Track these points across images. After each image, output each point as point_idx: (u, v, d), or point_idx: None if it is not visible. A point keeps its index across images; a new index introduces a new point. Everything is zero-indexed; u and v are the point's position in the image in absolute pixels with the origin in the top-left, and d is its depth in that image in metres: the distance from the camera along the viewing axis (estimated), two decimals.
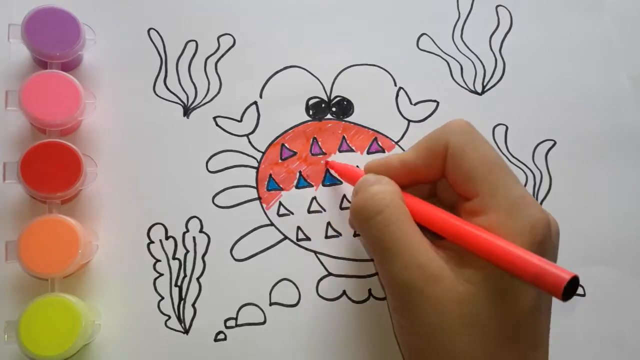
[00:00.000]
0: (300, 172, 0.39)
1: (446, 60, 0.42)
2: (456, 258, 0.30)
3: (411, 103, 0.41)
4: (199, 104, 0.40)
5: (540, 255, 0.27)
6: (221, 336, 0.37)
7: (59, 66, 0.37)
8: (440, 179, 0.33)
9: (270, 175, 0.39)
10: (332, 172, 0.39)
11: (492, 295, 0.29)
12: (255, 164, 0.40)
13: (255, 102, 0.41)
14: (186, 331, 0.37)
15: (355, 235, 0.39)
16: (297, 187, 0.39)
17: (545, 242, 0.29)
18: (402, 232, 0.30)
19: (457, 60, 0.42)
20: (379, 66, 0.42)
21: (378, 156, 0.40)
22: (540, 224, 0.29)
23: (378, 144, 0.40)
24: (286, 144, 0.40)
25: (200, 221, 0.38)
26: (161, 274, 0.37)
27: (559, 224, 0.32)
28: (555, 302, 0.31)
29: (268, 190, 0.39)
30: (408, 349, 0.31)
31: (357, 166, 0.40)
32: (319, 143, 0.40)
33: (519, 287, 0.29)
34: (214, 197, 0.39)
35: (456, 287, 0.29)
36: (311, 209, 0.39)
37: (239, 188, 0.39)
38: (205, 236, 0.38)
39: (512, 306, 0.29)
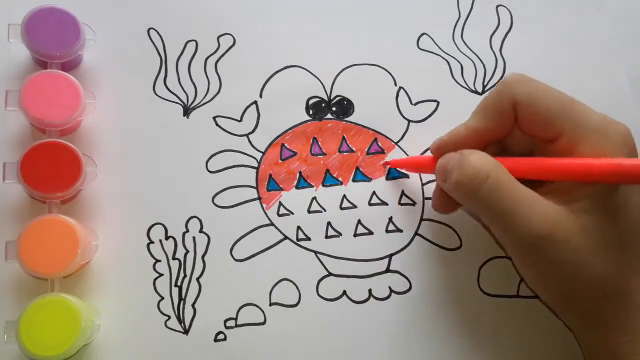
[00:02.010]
0: (300, 172, 0.39)
1: (446, 60, 0.42)
2: (562, 198, 0.31)
3: (411, 103, 0.41)
4: (198, 103, 0.40)
5: None
6: (221, 336, 0.37)
7: (59, 66, 0.37)
8: (508, 135, 0.34)
9: (270, 175, 0.39)
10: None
11: (610, 215, 0.30)
12: (255, 164, 0.40)
13: (255, 102, 0.41)
14: (186, 331, 0.37)
15: (356, 235, 0.39)
16: (297, 187, 0.39)
17: (635, 148, 0.31)
18: (514, 190, 0.31)
19: (457, 60, 0.42)
20: (379, 66, 0.42)
21: (378, 157, 0.40)
22: (628, 134, 0.31)
23: (378, 145, 0.40)
24: (286, 144, 0.40)
25: (200, 221, 0.38)
26: (161, 274, 0.37)
27: None
28: None
29: (268, 190, 0.39)
30: (554, 295, 0.33)
31: (357, 167, 0.40)
32: (319, 143, 0.40)
33: (629, 202, 0.31)
34: (214, 197, 0.39)
35: (578, 221, 0.30)
36: (311, 209, 0.39)
37: (239, 188, 0.39)
38: (205, 236, 0.38)
39: (629, 221, 0.31)
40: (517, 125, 0.33)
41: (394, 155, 0.40)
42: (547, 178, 0.32)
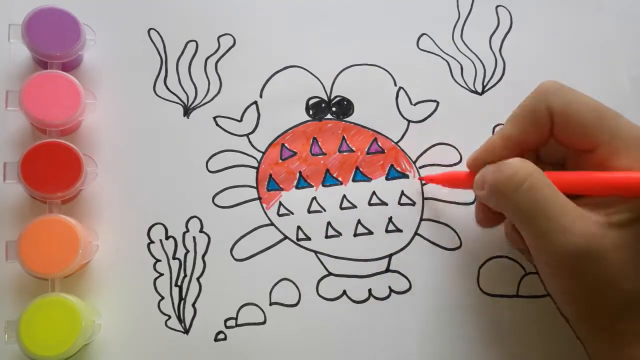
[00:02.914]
0: (300, 172, 0.40)
1: (446, 60, 0.42)
2: (597, 210, 0.30)
3: (411, 103, 0.41)
4: (199, 103, 0.40)
5: None
6: (221, 336, 0.37)
7: (59, 66, 0.37)
8: (544, 144, 0.34)
9: (271, 175, 0.39)
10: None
11: None
12: (255, 164, 0.40)
13: (255, 102, 0.41)
14: (186, 331, 0.37)
15: (356, 235, 0.39)
16: (297, 187, 0.39)
17: None
18: (553, 195, 0.30)
19: (457, 60, 0.42)
20: (379, 66, 0.42)
21: (378, 156, 0.40)
22: None
23: (378, 145, 0.40)
24: (286, 144, 0.40)
25: (201, 221, 0.38)
26: (161, 274, 0.37)
27: None
28: None
29: (268, 190, 0.39)
30: (577, 308, 0.32)
31: (357, 167, 0.40)
32: (319, 143, 0.40)
33: None
34: (214, 197, 0.39)
35: (612, 235, 0.29)
36: (311, 209, 0.39)
37: (239, 188, 0.39)
38: (205, 236, 0.38)
39: None
40: (552, 135, 0.33)
41: (394, 154, 0.40)
42: (589, 193, 0.31)
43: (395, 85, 0.42)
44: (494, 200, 0.33)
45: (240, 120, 0.40)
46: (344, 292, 0.38)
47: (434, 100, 0.41)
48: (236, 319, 0.37)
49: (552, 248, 0.30)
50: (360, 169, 0.40)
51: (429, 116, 0.41)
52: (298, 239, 0.39)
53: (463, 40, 0.43)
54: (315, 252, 0.38)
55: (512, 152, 0.33)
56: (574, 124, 0.32)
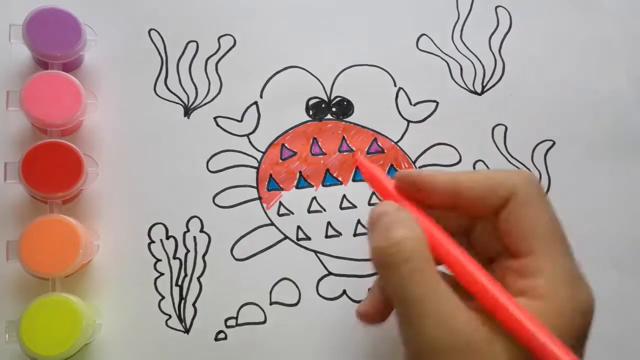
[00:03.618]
0: (300, 172, 0.40)
1: (446, 61, 0.42)
2: (490, 322, 0.26)
3: (411, 103, 0.41)
4: (199, 104, 0.40)
5: (583, 341, 0.27)
6: (222, 335, 0.37)
7: (60, 66, 0.38)
8: (478, 222, 0.30)
9: (271, 175, 0.39)
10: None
11: None
12: (256, 164, 0.40)
13: (255, 102, 0.41)
14: (187, 331, 0.37)
15: (356, 234, 0.39)
16: (297, 187, 0.39)
17: (590, 327, 0.27)
18: (430, 290, 0.26)
19: (456, 61, 0.42)
20: (379, 66, 0.42)
21: (378, 156, 0.40)
22: (592, 309, 0.27)
23: (378, 145, 0.40)
24: (286, 144, 0.40)
25: (201, 221, 0.38)
26: (162, 274, 0.37)
27: None
28: None
29: (268, 190, 0.39)
30: None
31: (358, 167, 0.40)
32: (319, 143, 0.40)
33: None
34: (214, 196, 0.39)
35: (486, 329, 0.26)
36: (311, 209, 0.39)
37: (239, 188, 0.39)
38: (205, 236, 0.38)
39: None
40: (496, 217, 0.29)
41: (394, 154, 0.40)
42: (471, 294, 0.27)
43: (395, 85, 0.42)
44: (373, 264, 0.29)
45: (241, 121, 0.40)
46: (344, 292, 0.38)
47: (434, 101, 0.41)
48: (236, 318, 0.37)
49: (413, 338, 0.27)
50: None
51: (429, 116, 0.41)
52: (298, 239, 0.39)
53: (462, 41, 0.43)
54: (315, 252, 0.38)
55: (449, 197, 0.29)
56: (524, 222, 0.28)
